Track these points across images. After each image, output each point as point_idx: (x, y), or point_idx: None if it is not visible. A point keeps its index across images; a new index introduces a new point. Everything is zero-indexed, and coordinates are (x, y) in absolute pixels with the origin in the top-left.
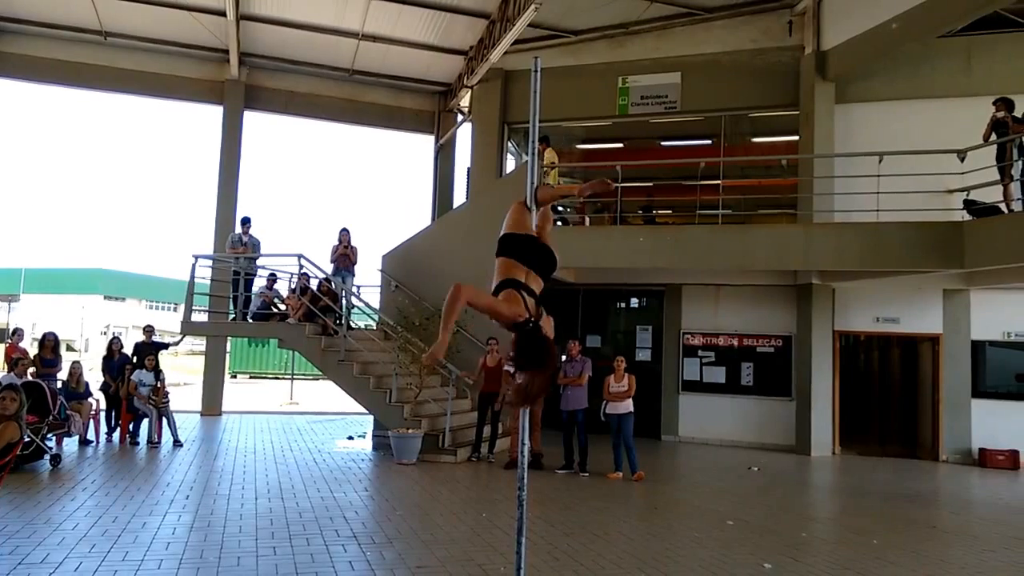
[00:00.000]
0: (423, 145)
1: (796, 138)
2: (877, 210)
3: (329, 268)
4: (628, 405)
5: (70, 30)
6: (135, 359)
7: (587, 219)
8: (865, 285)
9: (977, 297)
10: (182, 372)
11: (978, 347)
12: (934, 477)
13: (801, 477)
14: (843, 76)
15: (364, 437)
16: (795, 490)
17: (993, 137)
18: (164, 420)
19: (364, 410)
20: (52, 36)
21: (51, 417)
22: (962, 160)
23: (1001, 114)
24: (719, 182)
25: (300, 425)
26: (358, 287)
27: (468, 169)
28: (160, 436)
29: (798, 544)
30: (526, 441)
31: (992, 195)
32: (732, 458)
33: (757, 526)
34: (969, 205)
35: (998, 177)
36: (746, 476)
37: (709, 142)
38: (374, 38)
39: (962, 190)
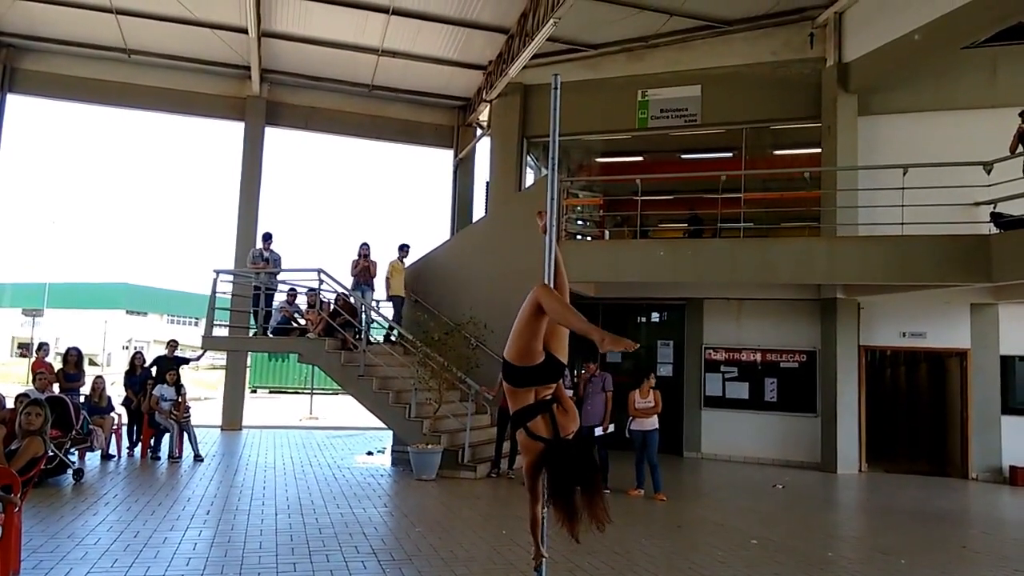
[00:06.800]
0: (442, 159)
1: (818, 150)
2: (902, 223)
3: (349, 282)
4: (654, 422)
5: (94, 48)
6: (156, 373)
7: (607, 233)
8: (891, 299)
9: (1006, 311)
10: (203, 387)
11: (1008, 362)
12: (964, 495)
13: (827, 495)
14: (866, 88)
15: (383, 452)
16: (821, 508)
17: (1020, 149)
18: (185, 435)
19: (383, 425)
20: (76, 54)
21: (74, 432)
22: (988, 172)
23: None
24: (741, 195)
25: (320, 440)
26: (377, 302)
27: (487, 183)
28: (181, 451)
29: (824, 564)
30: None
31: (1020, 207)
32: (756, 475)
33: (782, 545)
34: (996, 218)
35: None
36: (770, 494)
37: (730, 155)
38: (394, 54)
39: (989, 203)
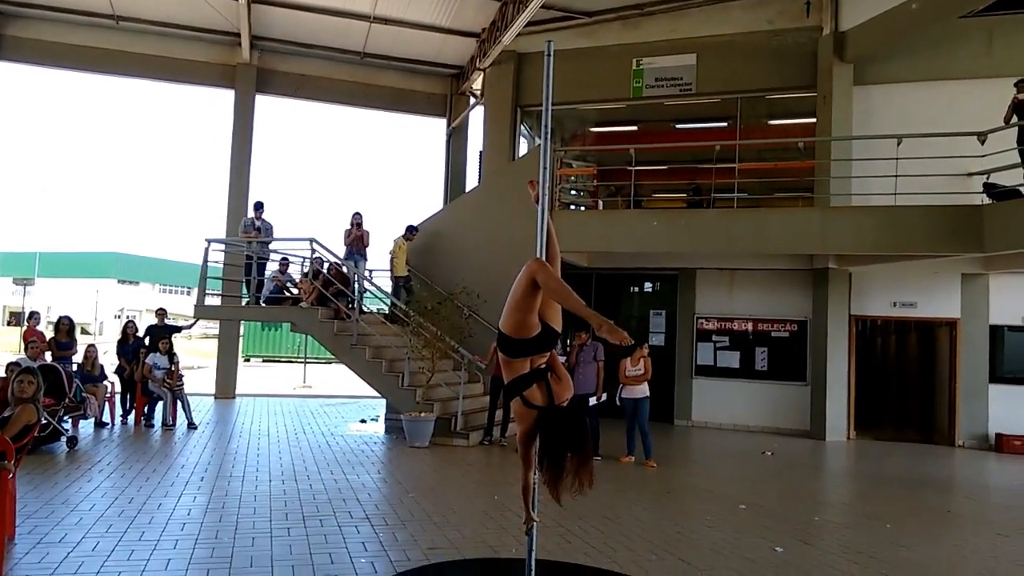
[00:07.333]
0: (435, 128)
1: (813, 120)
2: (895, 193)
3: (342, 252)
4: (644, 389)
5: (83, 14)
6: (148, 342)
7: (600, 203)
8: (882, 269)
9: (996, 281)
10: (196, 355)
11: (996, 332)
12: (950, 462)
13: (815, 462)
14: (862, 57)
15: (377, 420)
16: (809, 475)
17: (1014, 119)
18: (179, 403)
19: (377, 394)
20: (65, 21)
21: (67, 400)
22: (982, 143)
23: (1022, 96)
24: (735, 165)
25: (313, 408)
26: (370, 271)
27: (480, 152)
28: (175, 419)
29: (810, 528)
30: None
31: (1013, 178)
32: (746, 443)
33: (770, 510)
34: (989, 188)
35: (1019, 160)
36: (759, 461)
37: (725, 125)
38: (385, 20)
39: (982, 173)
